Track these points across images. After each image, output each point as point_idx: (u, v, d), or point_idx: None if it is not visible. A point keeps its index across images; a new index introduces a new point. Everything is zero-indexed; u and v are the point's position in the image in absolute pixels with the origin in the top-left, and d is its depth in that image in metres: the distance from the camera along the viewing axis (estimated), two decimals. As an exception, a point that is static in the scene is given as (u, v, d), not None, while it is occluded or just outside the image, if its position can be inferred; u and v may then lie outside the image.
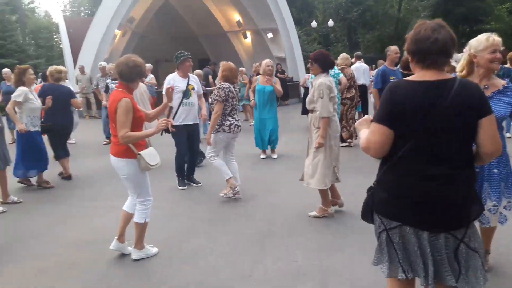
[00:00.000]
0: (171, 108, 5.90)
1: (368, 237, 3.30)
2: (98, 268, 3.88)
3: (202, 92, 6.52)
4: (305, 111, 11.41)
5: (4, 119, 6.79)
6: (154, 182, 4.40)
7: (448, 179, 2.05)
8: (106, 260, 4.02)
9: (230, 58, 10.89)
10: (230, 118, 5.59)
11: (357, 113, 9.93)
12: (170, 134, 5.54)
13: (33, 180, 6.68)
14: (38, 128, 6.31)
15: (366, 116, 2.47)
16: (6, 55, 23.74)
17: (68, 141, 7.89)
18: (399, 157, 2.10)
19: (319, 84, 4.68)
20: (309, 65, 4.96)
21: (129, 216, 4.02)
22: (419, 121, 2.04)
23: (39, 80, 12.11)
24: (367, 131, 2.27)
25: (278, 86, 7.84)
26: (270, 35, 20.29)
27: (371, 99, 13.11)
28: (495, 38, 2.98)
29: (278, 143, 8.37)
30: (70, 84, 10.29)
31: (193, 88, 6.15)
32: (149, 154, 3.76)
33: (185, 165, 6.48)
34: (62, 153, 7.04)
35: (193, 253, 4.11)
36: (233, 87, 5.66)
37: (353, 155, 7.87)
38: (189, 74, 6.22)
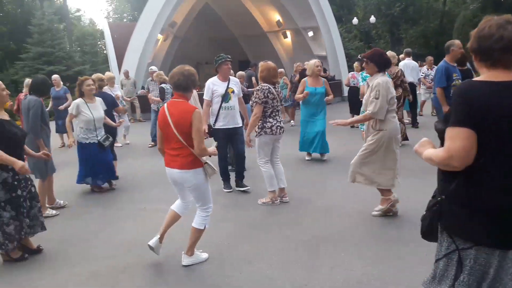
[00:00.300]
0: None
1: (429, 246, 3.07)
2: (150, 272, 3.85)
3: (241, 95, 6.37)
4: (352, 110, 11.14)
5: (52, 123, 6.93)
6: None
7: None
8: (157, 265, 3.99)
9: (270, 58, 10.73)
10: (271, 120, 5.44)
11: (405, 112, 9.58)
12: (212, 138, 5.47)
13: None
14: (91, 140, 6.22)
15: (423, 138, 2.20)
16: (55, 62, 24.57)
17: (116, 145, 7.98)
18: (477, 167, 1.86)
19: (376, 84, 4.48)
20: (364, 64, 4.76)
21: (176, 217, 4.01)
22: (504, 126, 1.81)
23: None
24: (434, 149, 2.04)
25: (328, 87, 7.64)
26: (310, 33, 19.98)
27: (421, 97, 12.73)
28: None
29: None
30: (119, 89, 10.47)
31: (232, 92, 6.03)
32: (209, 160, 3.82)
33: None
34: (114, 155, 7.25)
35: (244, 259, 4.00)
36: (274, 87, 5.49)
37: (404, 157, 7.52)
38: (230, 77, 6.13)
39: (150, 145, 10.17)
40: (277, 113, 5.52)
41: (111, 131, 6.97)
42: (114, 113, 7.51)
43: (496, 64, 1.88)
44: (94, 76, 7.35)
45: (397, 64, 9.28)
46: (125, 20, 48.77)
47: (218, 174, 6.18)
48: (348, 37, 30.85)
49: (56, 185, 6.01)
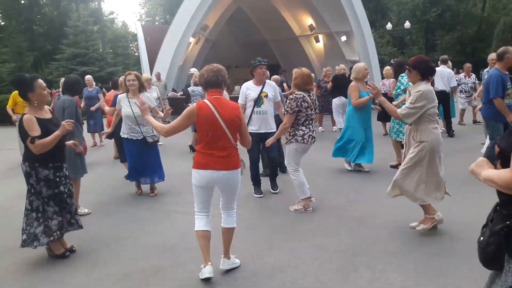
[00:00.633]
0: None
1: (472, 261, 2.90)
2: (181, 277, 3.76)
3: (279, 99, 6.22)
4: (381, 117, 10.84)
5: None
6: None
7: None
8: (189, 268, 3.90)
9: (300, 62, 10.57)
10: (303, 128, 5.27)
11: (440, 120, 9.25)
12: None
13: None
14: (132, 137, 6.11)
15: (480, 158, 1.96)
16: (88, 63, 25.14)
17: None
18: None
19: (417, 91, 4.29)
20: (406, 72, 4.54)
21: (209, 235, 3.71)
22: None
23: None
24: (495, 170, 1.82)
25: None
26: (343, 38, 19.73)
27: (458, 106, 12.35)
28: None
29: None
30: (155, 90, 10.47)
31: (266, 96, 5.89)
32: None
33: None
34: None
35: (277, 267, 3.86)
36: (309, 95, 5.31)
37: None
38: (266, 80, 6.01)
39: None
40: (310, 122, 5.35)
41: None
42: None
43: None
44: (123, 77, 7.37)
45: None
46: (157, 23, 49.51)
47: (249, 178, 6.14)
48: (381, 42, 30.39)
49: (87, 184, 5.99)
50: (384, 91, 10.83)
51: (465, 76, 12.31)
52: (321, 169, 7.48)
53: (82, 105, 10.67)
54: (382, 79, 13.33)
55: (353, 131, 7.15)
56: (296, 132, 5.27)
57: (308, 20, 21.25)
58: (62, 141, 4.16)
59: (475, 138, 9.76)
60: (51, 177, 3.99)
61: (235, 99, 7.59)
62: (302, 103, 5.19)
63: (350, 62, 18.90)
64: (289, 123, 5.25)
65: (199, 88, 9.70)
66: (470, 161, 1.98)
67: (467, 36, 33.63)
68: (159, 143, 10.49)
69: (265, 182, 6.39)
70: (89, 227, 4.90)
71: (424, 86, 4.30)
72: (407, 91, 4.61)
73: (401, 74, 7.49)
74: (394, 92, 7.67)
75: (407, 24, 28.83)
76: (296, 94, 5.26)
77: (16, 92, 8.84)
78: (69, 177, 4.31)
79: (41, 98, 4.05)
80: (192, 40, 18.93)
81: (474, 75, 12.64)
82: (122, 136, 6.18)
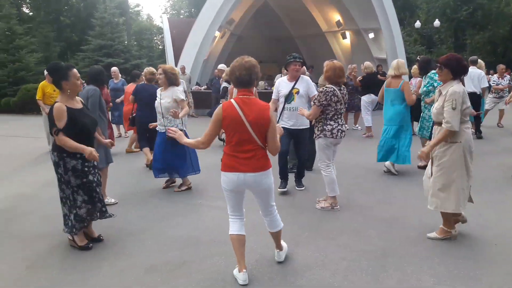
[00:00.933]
0: None
1: (507, 267, 2.78)
2: (207, 270, 3.74)
3: (315, 93, 6.09)
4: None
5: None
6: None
7: None
8: (216, 261, 3.89)
9: (326, 59, 10.33)
10: (332, 123, 5.17)
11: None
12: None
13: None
14: (159, 129, 6.14)
15: None
16: (114, 55, 25.37)
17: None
18: None
19: (451, 93, 4.03)
20: (437, 70, 4.35)
21: (244, 239, 3.56)
22: None
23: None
24: None
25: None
26: (371, 35, 19.43)
27: (485, 106, 12.02)
28: None
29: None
30: (183, 84, 10.45)
31: (297, 92, 5.80)
32: None
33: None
34: (144, 143, 7.41)
35: (304, 266, 3.80)
36: (339, 89, 5.18)
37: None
38: (302, 76, 5.92)
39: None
40: (339, 116, 5.23)
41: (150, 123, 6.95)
42: None
43: None
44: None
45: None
46: (181, 16, 49.74)
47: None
48: (409, 40, 29.84)
49: (111, 175, 6.02)
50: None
51: (498, 78, 11.97)
52: (346, 167, 7.35)
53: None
54: (410, 78, 13.09)
55: (401, 131, 6.93)
56: (324, 127, 5.17)
57: (336, 16, 21.00)
58: (91, 132, 4.16)
59: (501, 140, 9.54)
60: (79, 167, 3.99)
61: (261, 94, 7.56)
62: (332, 97, 5.08)
63: (377, 59, 18.63)
64: (314, 116, 5.16)
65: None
66: (500, 164, 1.88)
67: (499, 36, 32.63)
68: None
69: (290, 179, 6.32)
70: (114, 217, 4.91)
71: (457, 86, 4.09)
72: (437, 91, 4.40)
73: (432, 71, 7.31)
74: (421, 90, 7.41)
75: (436, 23, 28.20)
76: (326, 87, 5.14)
77: (44, 82, 8.94)
78: (97, 167, 4.32)
79: (74, 87, 4.06)
80: (217, 34, 18.90)
81: (508, 76, 12.28)
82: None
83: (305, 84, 5.87)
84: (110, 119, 9.55)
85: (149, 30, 48.98)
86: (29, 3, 37.50)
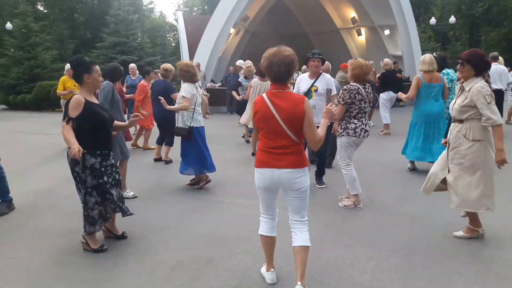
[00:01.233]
0: None
1: None
2: (236, 266, 3.73)
3: (335, 92, 5.97)
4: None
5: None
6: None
7: None
8: (242, 259, 3.86)
9: (341, 56, 10.31)
10: (355, 121, 5.10)
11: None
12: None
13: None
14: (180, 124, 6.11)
15: None
16: (128, 52, 25.42)
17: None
18: None
19: (479, 89, 3.93)
20: (458, 66, 4.24)
21: (274, 240, 3.44)
22: None
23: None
24: None
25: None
26: (387, 31, 19.26)
27: (508, 104, 11.87)
28: None
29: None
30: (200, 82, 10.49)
31: (316, 90, 5.73)
32: None
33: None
34: (168, 140, 7.73)
35: (332, 264, 3.75)
36: (364, 87, 5.11)
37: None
38: (323, 73, 5.87)
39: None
40: (363, 115, 5.16)
41: (169, 119, 7.12)
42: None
43: None
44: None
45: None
46: (194, 13, 49.79)
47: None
48: (424, 37, 29.54)
49: (131, 170, 6.02)
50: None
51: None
52: (365, 165, 7.26)
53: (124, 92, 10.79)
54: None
55: (431, 127, 6.72)
56: (348, 125, 5.10)
57: (351, 13, 20.86)
58: (107, 127, 4.09)
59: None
60: (97, 166, 3.91)
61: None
62: (356, 95, 5.01)
63: (393, 56, 18.46)
64: (340, 115, 5.08)
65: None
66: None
67: (515, 32, 32.19)
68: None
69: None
70: (137, 214, 4.91)
71: (481, 83, 3.99)
72: (458, 87, 4.30)
73: (446, 69, 7.22)
74: None
75: (452, 19, 27.87)
76: (350, 85, 5.08)
77: (64, 77, 9.01)
78: (115, 166, 4.23)
79: (95, 83, 4.04)
80: (232, 31, 18.88)
81: None
82: None
83: (325, 82, 5.80)
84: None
85: (162, 27, 49.10)
86: (44, 0, 37.81)
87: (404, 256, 3.88)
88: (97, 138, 3.91)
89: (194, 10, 52.61)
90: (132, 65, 11.27)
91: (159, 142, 8.02)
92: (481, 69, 4.07)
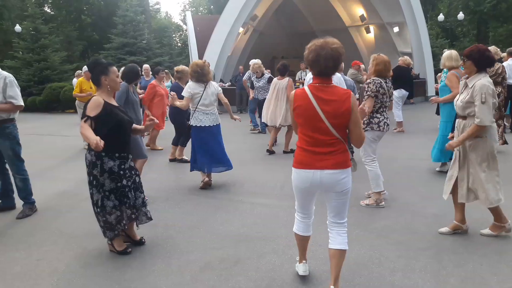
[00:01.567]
0: None
1: None
2: (265, 266, 3.72)
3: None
4: (439, 111, 10.38)
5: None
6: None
7: None
8: (270, 259, 3.85)
9: (349, 54, 10.17)
10: (378, 115, 5.10)
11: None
12: None
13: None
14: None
15: None
16: (136, 53, 25.47)
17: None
18: None
19: (480, 86, 3.90)
20: (460, 62, 4.21)
21: (308, 239, 3.39)
22: None
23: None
24: None
25: None
26: (396, 29, 19.15)
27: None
28: None
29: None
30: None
31: None
32: None
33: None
34: (181, 140, 7.94)
35: (360, 264, 3.73)
36: (385, 82, 5.12)
37: (503, 161, 6.98)
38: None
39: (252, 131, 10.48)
40: (384, 109, 5.17)
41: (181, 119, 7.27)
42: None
43: None
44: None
45: (499, 61, 8.46)
46: (199, 13, 49.79)
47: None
48: (432, 34, 29.36)
49: (149, 171, 6.00)
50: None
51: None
52: (383, 163, 7.17)
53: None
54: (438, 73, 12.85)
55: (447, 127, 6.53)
56: (371, 120, 5.09)
57: (359, 10, 20.76)
58: (126, 129, 4.04)
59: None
60: (115, 170, 3.85)
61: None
62: (380, 88, 5.02)
63: (402, 54, 18.35)
64: (370, 108, 5.02)
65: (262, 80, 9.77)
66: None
67: (523, 28, 31.93)
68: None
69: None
70: (160, 215, 4.92)
71: (484, 79, 3.96)
72: (462, 83, 4.26)
73: None
74: (439, 85, 7.16)
75: (460, 15, 27.68)
76: (373, 79, 5.09)
77: (81, 79, 9.05)
78: (134, 169, 4.13)
79: (113, 84, 3.99)
80: (241, 30, 18.85)
81: None
82: None
83: (336, 81, 5.77)
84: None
85: (168, 27, 49.18)
86: (51, 2, 37.98)
87: (433, 255, 3.85)
88: (116, 141, 3.85)
89: (200, 10, 52.62)
90: (145, 66, 11.29)
91: (175, 143, 8.09)
92: (482, 64, 4.04)
